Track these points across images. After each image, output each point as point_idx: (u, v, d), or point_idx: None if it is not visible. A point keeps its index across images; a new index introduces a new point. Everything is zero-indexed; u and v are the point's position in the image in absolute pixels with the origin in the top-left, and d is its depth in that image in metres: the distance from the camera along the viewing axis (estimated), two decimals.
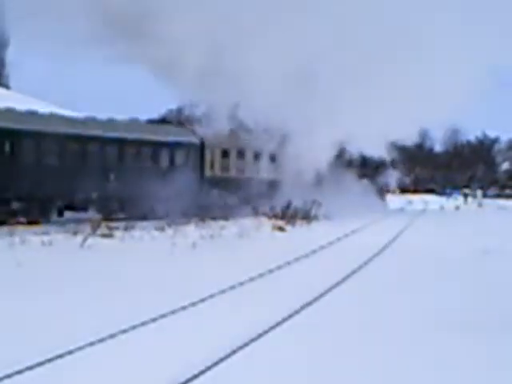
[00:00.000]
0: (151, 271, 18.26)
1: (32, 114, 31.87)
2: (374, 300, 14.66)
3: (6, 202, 29.13)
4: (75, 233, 24.46)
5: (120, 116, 36.93)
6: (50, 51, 35.65)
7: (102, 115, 35.27)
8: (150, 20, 33.21)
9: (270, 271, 18.38)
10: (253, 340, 10.64)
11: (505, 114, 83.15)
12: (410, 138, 50.28)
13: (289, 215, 36.08)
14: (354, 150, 44.73)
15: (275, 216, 35.69)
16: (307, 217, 37.04)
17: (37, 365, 9.14)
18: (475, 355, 10.30)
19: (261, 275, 17.57)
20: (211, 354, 9.68)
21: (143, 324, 11.63)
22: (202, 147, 38.47)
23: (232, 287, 15.52)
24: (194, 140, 38.02)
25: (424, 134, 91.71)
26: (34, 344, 10.19)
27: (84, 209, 32.44)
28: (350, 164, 47.20)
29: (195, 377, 8.76)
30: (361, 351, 10.35)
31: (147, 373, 9.03)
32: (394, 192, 62.02)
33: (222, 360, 9.49)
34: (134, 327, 11.36)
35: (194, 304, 13.47)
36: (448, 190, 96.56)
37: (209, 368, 9.11)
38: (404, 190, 61.40)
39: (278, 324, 11.88)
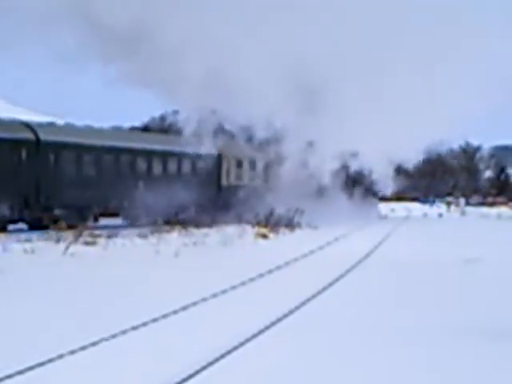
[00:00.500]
0: (133, 278, 18.31)
1: (70, 127, 35.89)
2: (352, 312, 14.67)
3: (50, 209, 31.42)
4: (58, 240, 24.53)
5: (99, 124, 38.32)
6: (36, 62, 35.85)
7: (96, 124, 37.53)
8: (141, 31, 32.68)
9: (252, 279, 18.47)
10: (229, 352, 10.68)
11: (487, 121, 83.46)
12: (415, 159, 47.57)
13: (272, 223, 36.21)
14: (357, 166, 44.24)
15: (258, 223, 35.81)
16: (290, 224, 37.15)
17: (27, 369, 9.25)
18: (473, 361, 10.40)
19: (243, 283, 17.65)
20: (188, 366, 9.74)
21: (123, 333, 11.66)
22: (219, 157, 41.25)
23: (214, 295, 15.60)
24: (213, 151, 39.71)
25: None
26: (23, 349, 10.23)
27: (116, 215, 35.32)
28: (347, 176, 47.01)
29: None
30: (336, 366, 10.42)
31: None
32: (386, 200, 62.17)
33: (197, 372, 9.54)
34: (114, 336, 11.40)
35: (175, 312, 13.54)
36: (431, 199, 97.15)
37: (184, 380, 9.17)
38: (385, 198, 61.71)
39: (261, 332, 11.95)
